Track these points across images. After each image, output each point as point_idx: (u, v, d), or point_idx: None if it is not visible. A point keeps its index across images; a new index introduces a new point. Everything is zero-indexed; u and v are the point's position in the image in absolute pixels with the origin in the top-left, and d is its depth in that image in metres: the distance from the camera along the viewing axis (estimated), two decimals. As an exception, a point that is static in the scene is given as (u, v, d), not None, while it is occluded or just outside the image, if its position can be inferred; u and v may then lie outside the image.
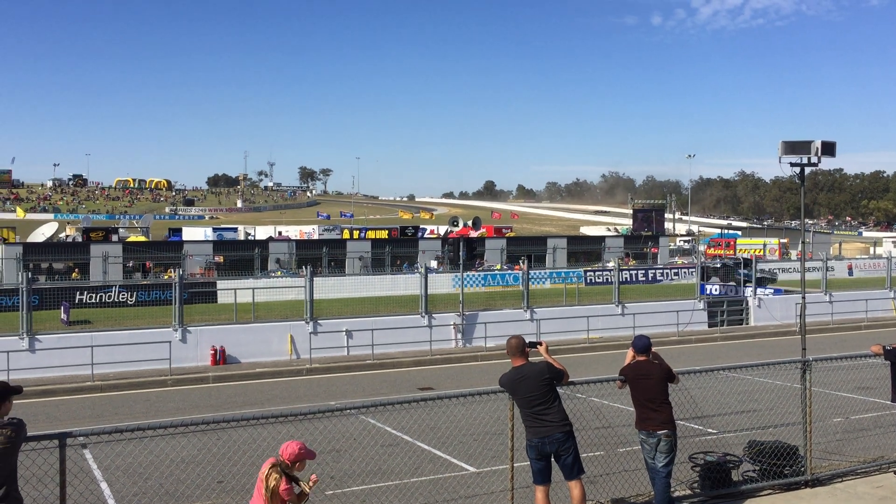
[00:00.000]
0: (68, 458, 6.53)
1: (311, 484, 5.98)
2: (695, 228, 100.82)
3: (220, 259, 46.69)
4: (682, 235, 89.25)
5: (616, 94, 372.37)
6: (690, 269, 42.02)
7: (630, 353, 8.34)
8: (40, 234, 57.93)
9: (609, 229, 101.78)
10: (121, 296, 30.52)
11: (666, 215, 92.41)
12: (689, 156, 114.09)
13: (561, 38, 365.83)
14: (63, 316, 25.38)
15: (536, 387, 7.56)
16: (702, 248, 67.30)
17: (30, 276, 21.96)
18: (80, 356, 20.28)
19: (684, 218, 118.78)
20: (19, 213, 61.78)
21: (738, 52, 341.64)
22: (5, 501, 5.79)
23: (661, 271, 46.51)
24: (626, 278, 39.35)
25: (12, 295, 24.47)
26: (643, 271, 45.73)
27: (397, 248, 51.08)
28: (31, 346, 20.76)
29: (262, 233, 74.84)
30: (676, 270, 46.64)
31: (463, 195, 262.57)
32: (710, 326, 29.57)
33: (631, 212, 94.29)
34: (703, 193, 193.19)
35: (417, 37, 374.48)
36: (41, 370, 20.02)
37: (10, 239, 53.01)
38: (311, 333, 23.41)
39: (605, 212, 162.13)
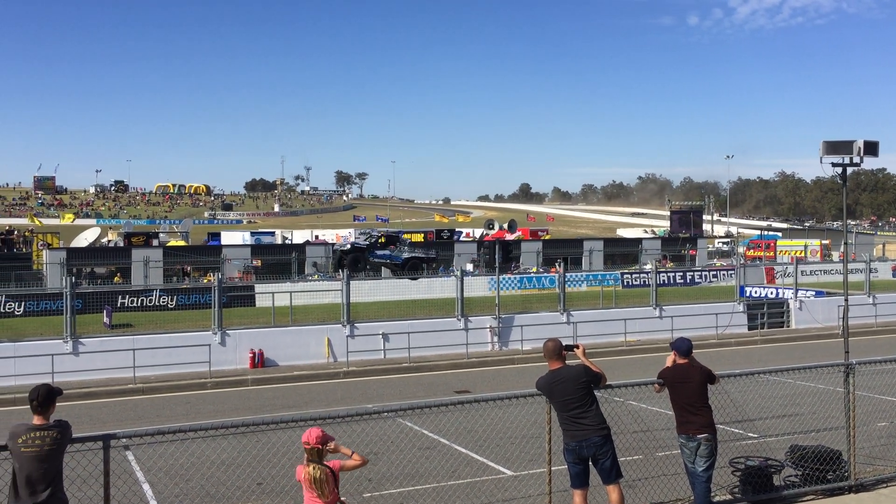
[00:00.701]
0: (111, 460, 6.66)
1: (350, 452, 6.13)
2: (734, 230, 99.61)
3: (257, 263, 47.17)
4: (720, 237, 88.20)
5: (653, 96, 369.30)
6: (729, 271, 41.50)
7: (672, 355, 8.26)
8: (83, 239, 59.12)
9: (646, 231, 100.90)
10: (161, 299, 31.00)
11: (704, 217, 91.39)
12: (728, 156, 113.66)
13: (596, 39, 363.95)
14: (106, 319, 25.85)
15: (573, 390, 7.54)
16: (741, 249, 66.40)
17: (73, 280, 22.39)
18: (122, 359, 20.63)
19: (723, 219, 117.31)
20: (68, 218, 63.01)
21: (777, 52, 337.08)
22: (52, 501, 5.93)
23: (699, 273, 46.00)
24: (663, 280, 38.94)
25: (56, 299, 24.96)
26: (681, 273, 45.27)
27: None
28: (75, 349, 21.17)
29: (299, 237, 75.45)
30: (715, 272, 46.12)
31: (498, 198, 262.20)
32: (749, 329, 29.17)
33: (668, 213, 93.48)
34: (743, 194, 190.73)
35: (452, 40, 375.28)
36: (84, 373, 20.41)
37: (54, 244, 54.13)
38: (347, 336, 23.55)
39: (642, 214, 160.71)
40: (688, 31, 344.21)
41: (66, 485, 6.20)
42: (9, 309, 28.83)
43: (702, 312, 27.88)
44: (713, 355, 22.59)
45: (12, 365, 19.72)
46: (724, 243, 77.67)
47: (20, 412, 11.24)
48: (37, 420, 6.02)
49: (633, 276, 42.28)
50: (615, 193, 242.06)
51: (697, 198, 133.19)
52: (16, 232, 59.24)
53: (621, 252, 56.69)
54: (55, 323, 22.53)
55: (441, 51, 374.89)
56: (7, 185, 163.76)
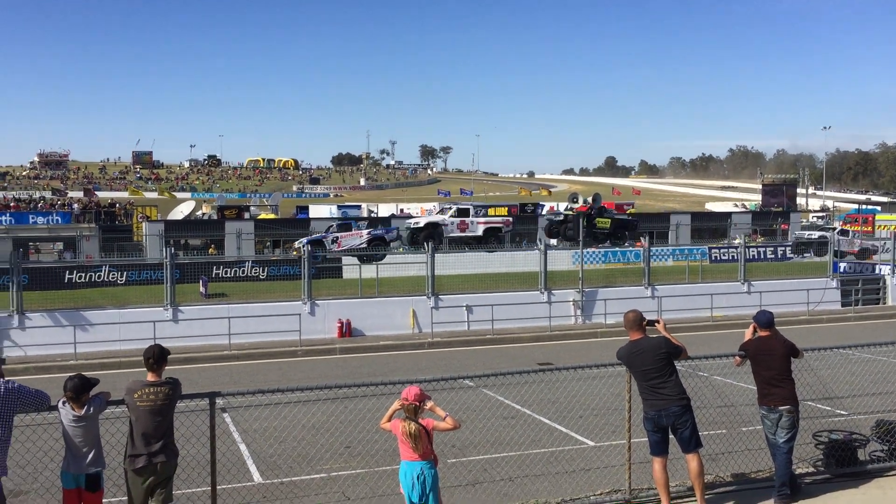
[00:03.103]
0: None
1: (444, 414, 6.46)
2: (830, 204, 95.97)
3: (345, 235, 48.10)
4: (815, 211, 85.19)
5: (744, 65, 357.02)
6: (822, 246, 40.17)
7: (751, 327, 8.27)
8: (179, 213, 61.40)
9: (736, 205, 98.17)
10: (253, 270, 32.03)
11: (798, 190, 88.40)
12: (825, 128, 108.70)
13: (681, 10, 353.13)
14: (202, 289, 26.95)
15: (653, 360, 7.66)
16: (837, 224, 64.03)
17: (172, 251, 23.44)
18: (217, 326, 21.59)
19: (818, 193, 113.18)
20: (166, 194, 65.64)
21: (876, 18, 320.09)
22: (164, 451, 6.45)
23: (790, 248, 44.65)
24: (753, 255, 38.02)
25: (157, 269, 26.14)
26: (772, 248, 44.05)
27: (517, 225, 51.19)
28: (175, 316, 22.25)
29: (384, 210, 76.52)
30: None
31: (583, 171, 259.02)
32: (843, 306, 28.31)
33: (760, 187, 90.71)
34: (840, 167, 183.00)
35: (536, 15, 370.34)
36: (183, 339, 21.44)
37: (152, 216, 56.48)
38: (432, 308, 23.98)
39: (733, 187, 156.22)
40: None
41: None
42: (112, 278, 30.30)
43: (792, 288, 27.21)
44: (804, 332, 22.10)
45: (118, 330, 20.91)
46: (818, 217, 74.99)
47: (126, 375, 11.97)
48: (151, 377, 6.55)
49: (721, 250, 41.39)
50: (704, 166, 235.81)
51: (791, 171, 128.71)
52: (117, 205, 61.96)
53: (709, 226, 55.52)
54: (156, 291, 23.63)
55: (526, 24, 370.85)
56: (108, 160, 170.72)
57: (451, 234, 37.62)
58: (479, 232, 38.15)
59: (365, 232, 38.50)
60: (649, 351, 7.70)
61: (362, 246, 36.38)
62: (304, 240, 36.71)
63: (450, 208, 40.41)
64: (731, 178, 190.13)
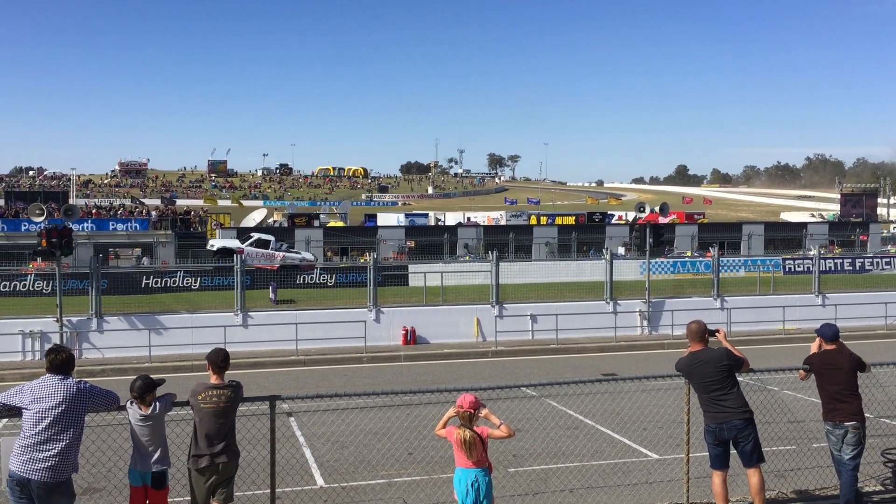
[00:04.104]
0: (277, 427, 7.38)
1: (499, 422, 6.47)
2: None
3: (411, 244, 48.51)
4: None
5: (822, 71, 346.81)
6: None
7: (817, 341, 8.07)
8: (251, 220, 62.83)
9: (813, 215, 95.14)
10: (321, 277, 32.49)
11: (879, 200, 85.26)
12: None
13: (756, 15, 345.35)
14: (271, 295, 27.48)
15: (714, 372, 7.53)
16: (920, 235, 61.61)
17: (242, 258, 23.99)
18: (286, 332, 22.02)
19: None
20: (237, 203, 67.49)
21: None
22: (226, 452, 6.65)
23: (870, 260, 43.09)
24: (828, 267, 36.83)
25: (228, 275, 26.77)
26: (849, 260, 42.56)
27: (584, 235, 50.84)
28: (245, 321, 22.78)
29: (451, 218, 76.77)
30: (889, 259, 43.03)
31: (653, 180, 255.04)
32: (924, 320, 27.16)
33: (838, 196, 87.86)
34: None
35: (607, 24, 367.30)
36: (252, 344, 21.93)
37: (226, 223, 57.89)
38: (496, 317, 23.99)
39: (810, 197, 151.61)
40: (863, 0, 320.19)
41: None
42: (186, 283, 31.10)
43: (869, 301, 26.30)
44: (881, 347, 21.34)
45: (190, 334, 21.52)
46: (900, 228, 72.23)
47: (197, 377, 12.36)
48: (214, 380, 6.76)
49: (796, 261, 40.23)
50: (780, 175, 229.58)
51: (872, 180, 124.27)
52: (192, 212, 63.73)
53: (783, 237, 54.03)
54: (227, 297, 24.24)
55: (594, 35, 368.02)
56: (185, 168, 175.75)
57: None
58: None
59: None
60: (710, 362, 7.57)
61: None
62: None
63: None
64: (809, 187, 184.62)
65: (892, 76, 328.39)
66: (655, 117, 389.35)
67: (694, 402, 8.05)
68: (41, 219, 21.65)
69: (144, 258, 42.99)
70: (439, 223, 69.25)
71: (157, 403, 6.60)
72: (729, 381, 7.55)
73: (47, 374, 6.21)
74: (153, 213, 52.57)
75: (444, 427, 6.73)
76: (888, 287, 29.46)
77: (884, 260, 43.01)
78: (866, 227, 56.13)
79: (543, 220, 64.80)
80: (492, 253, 25.28)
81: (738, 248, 50.01)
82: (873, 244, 53.96)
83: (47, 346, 11.24)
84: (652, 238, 25.41)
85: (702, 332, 7.73)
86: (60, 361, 6.21)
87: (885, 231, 65.22)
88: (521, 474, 10.45)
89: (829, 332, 8.01)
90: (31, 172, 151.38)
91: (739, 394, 7.57)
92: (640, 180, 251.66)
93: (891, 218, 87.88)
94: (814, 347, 8.13)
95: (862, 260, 42.58)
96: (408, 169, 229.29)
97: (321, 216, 66.79)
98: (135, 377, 6.74)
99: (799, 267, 38.93)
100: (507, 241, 47.21)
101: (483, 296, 25.10)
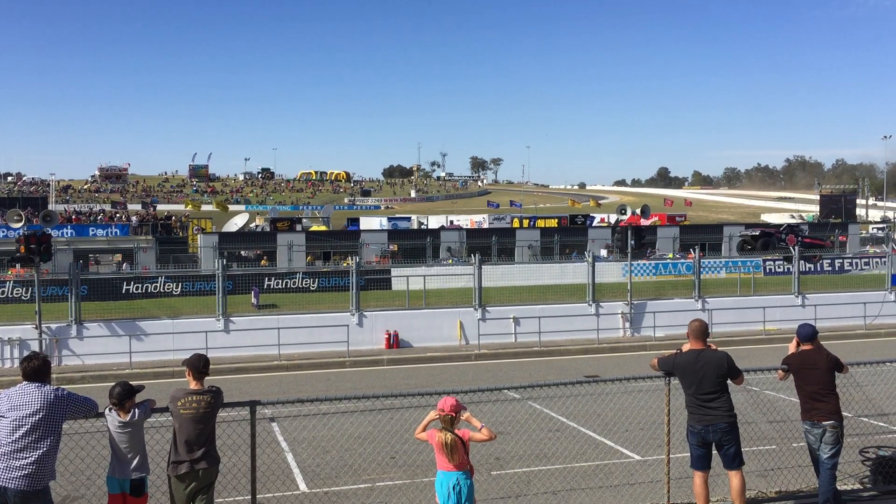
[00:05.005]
0: (258, 433, 7.34)
1: (480, 425, 6.48)
2: (891, 215, 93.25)
3: (394, 247, 48.47)
4: (875, 223, 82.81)
5: (802, 74, 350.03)
6: (882, 259, 39.05)
7: (794, 341, 8.13)
8: (233, 225, 62.39)
9: (793, 216, 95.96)
10: (304, 282, 32.41)
11: (858, 201, 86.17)
12: (885, 137, 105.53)
13: (736, 19, 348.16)
14: (254, 300, 27.39)
15: (713, 375, 7.52)
16: (898, 235, 62.17)
17: (225, 263, 23.88)
18: (268, 337, 21.93)
19: (879, 204, 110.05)
20: (221, 208, 66.98)
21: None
22: (206, 458, 6.60)
23: (849, 261, 43.50)
24: (808, 268, 37.19)
25: (210, 280, 26.64)
26: (829, 260, 42.96)
27: (566, 237, 51.01)
28: (226, 326, 22.66)
29: (434, 222, 76.68)
30: (867, 260, 43.44)
31: (635, 182, 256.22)
32: (903, 320, 27.45)
33: (818, 198, 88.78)
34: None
35: (589, 27, 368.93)
36: (234, 349, 21.82)
37: (207, 228, 57.53)
38: (479, 320, 24.00)
39: (789, 198, 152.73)
40: (843, 3, 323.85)
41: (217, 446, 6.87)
42: (167, 289, 30.95)
43: (849, 301, 26.53)
44: (859, 346, 21.53)
45: (171, 340, 21.38)
46: (878, 229, 72.89)
47: (179, 383, 12.31)
48: (194, 385, 6.72)
49: (776, 263, 40.55)
50: (760, 177, 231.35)
51: (851, 181, 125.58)
52: (173, 217, 63.35)
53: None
54: (209, 302, 24.10)
55: (576, 34, 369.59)
56: (166, 173, 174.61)
57: None
58: None
59: None
60: (711, 365, 7.55)
61: None
62: None
63: None
64: (788, 188, 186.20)
65: (870, 78, 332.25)
66: (637, 120, 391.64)
67: (674, 404, 8.07)
68: (20, 225, 21.42)
69: (125, 264, 42.69)
70: (422, 227, 69.23)
71: (136, 410, 6.54)
72: (723, 385, 7.57)
73: (24, 382, 6.14)
74: (133, 218, 52.20)
75: (424, 430, 6.72)
76: (867, 287, 29.73)
77: (863, 260, 43.44)
78: (845, 228, 56.63)
79: (526, 222, 64.87)
80: (474, 256, 25.29)
81: (719, 250, 50.33)
82: (852, 245, 54.45)
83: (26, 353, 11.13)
84: (634, 240, 25.53)
85: (704, 330, 7.73)
86: (33, 369, 6.14)
87: (864, 232, 65.82)
88: (503, 477, 10.45)
89: (805, 333, 8.06)
90: (9, 178, 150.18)
91: (728, 398, 7.59)
92: (622, 183, 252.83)
93: (870, 219, 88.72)
94: (791, 347, 8.18)
95: (841, 260, 43.00)
96: (390, 173, 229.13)
97: (303, 220, 66.51)
98: (114, 383, 6.68)
99: (780, 268, 39.27)
100: (489, 244, 47.25)
101: (466, 299, 25.12)
